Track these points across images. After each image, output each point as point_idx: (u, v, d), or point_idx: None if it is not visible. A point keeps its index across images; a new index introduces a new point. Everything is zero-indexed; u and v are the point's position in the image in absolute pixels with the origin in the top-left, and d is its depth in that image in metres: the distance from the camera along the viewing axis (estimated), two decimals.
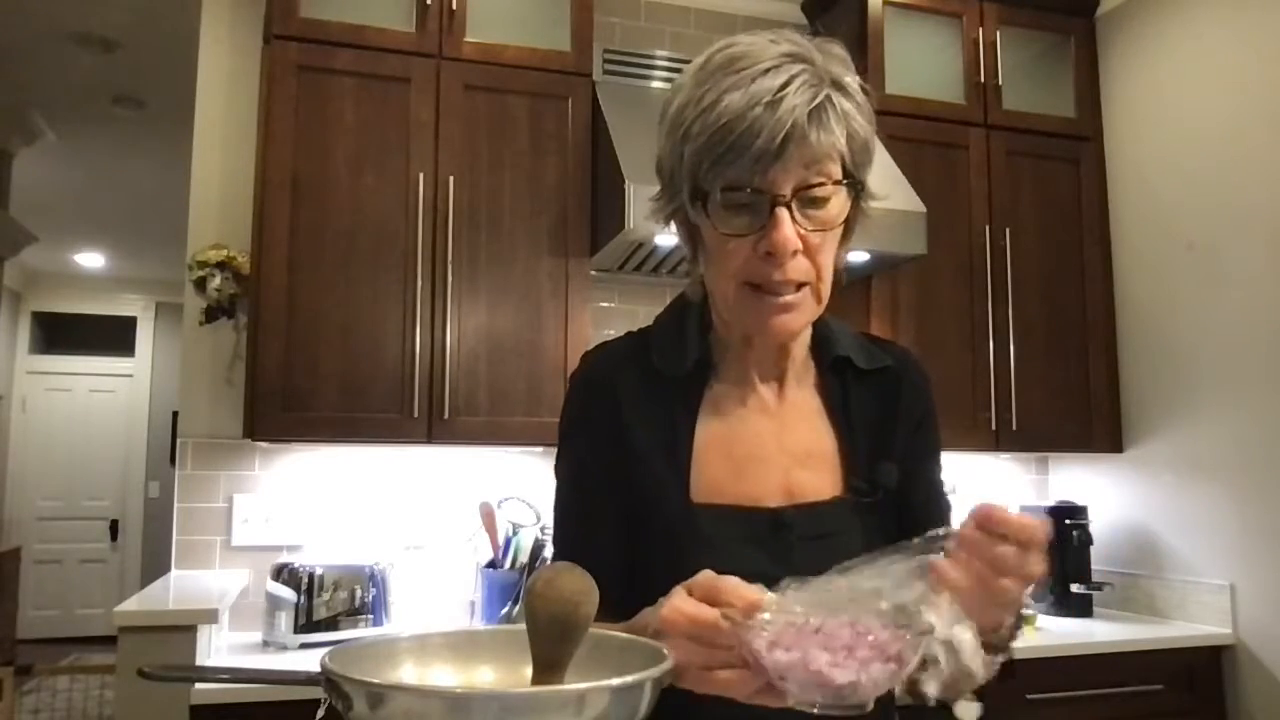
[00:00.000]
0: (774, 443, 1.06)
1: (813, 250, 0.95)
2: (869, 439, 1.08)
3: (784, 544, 1.01)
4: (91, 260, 7.64)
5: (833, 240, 0.98)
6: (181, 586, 2.29)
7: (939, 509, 1.13)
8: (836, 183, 0.95)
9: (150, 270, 7.86)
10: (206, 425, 2.53)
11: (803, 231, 0.93)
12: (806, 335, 1.10)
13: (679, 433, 1.04)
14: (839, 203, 0.96)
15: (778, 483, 1.04)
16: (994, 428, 2.79)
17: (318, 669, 0.98)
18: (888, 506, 1.06)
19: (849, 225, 1.00)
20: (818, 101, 0.94)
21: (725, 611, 0.76)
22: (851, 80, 1.00)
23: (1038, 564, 0.80)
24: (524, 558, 2.49)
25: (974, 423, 2.78)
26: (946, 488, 1.15)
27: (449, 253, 2.39)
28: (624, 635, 1.02)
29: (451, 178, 2.41)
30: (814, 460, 1.06)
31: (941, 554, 0.79)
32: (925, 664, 0.77)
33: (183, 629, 1.89)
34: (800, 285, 0.95)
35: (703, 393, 1.07)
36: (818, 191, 0.94)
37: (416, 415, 2.32)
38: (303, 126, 2.33)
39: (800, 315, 0.97)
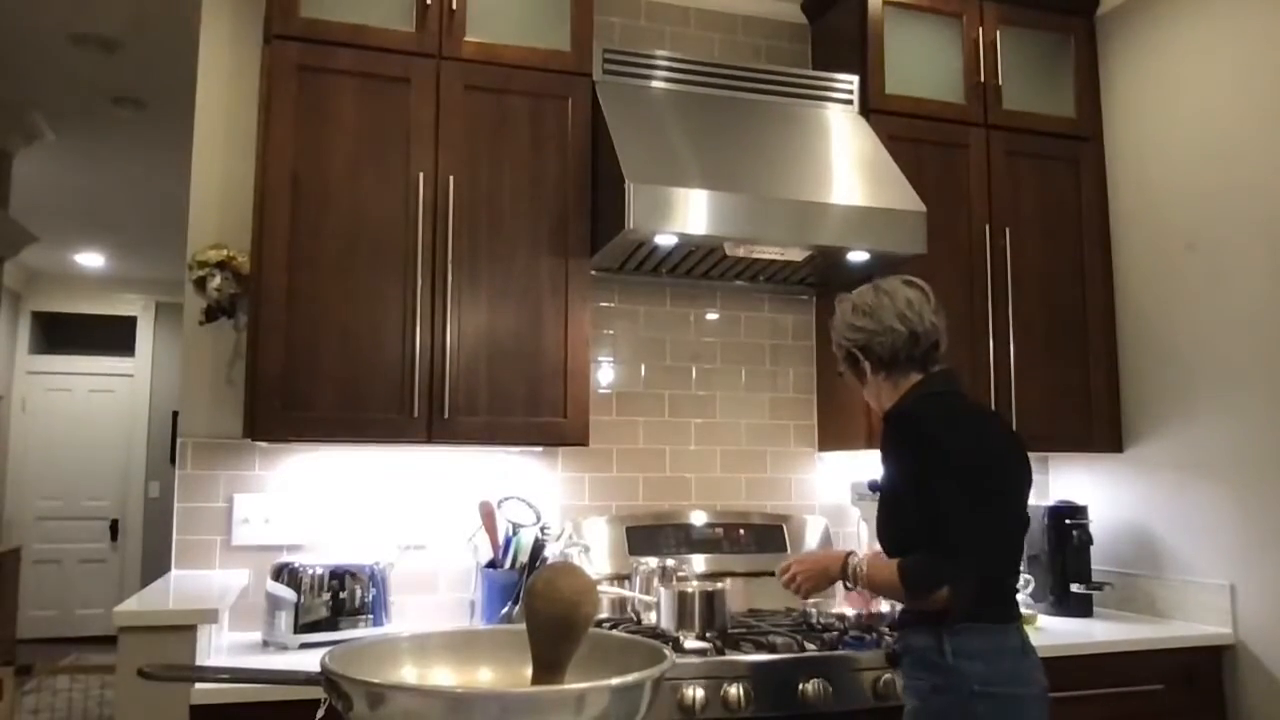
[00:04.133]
0: None
1: None
2: None
3: None
4: (91, 260, 7.64)
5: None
6: (181, 586, 2.28)
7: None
8: None
9: (150, 270, 7.86)
10: (207, 425, 2.53)
11: None
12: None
13: None
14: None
15: None
16: None
17: (318, 669, 0.99)
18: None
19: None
20: None
21: None
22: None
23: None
24: (524, 558, 2.49)
25: None
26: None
27: (449, 253, 2.39)
28: (624, 635, 1.02)
29: (451, 178, 2.41)
30: None
31: None
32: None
33: (183, 629, 1.89)
34: None
35: None
36: None
37: (416, 415, 2.32)
38: (303, 126, 2.33)
39: None
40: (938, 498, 1.78)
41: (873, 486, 2.09)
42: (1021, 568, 2.02)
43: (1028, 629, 2.58)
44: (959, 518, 1.78)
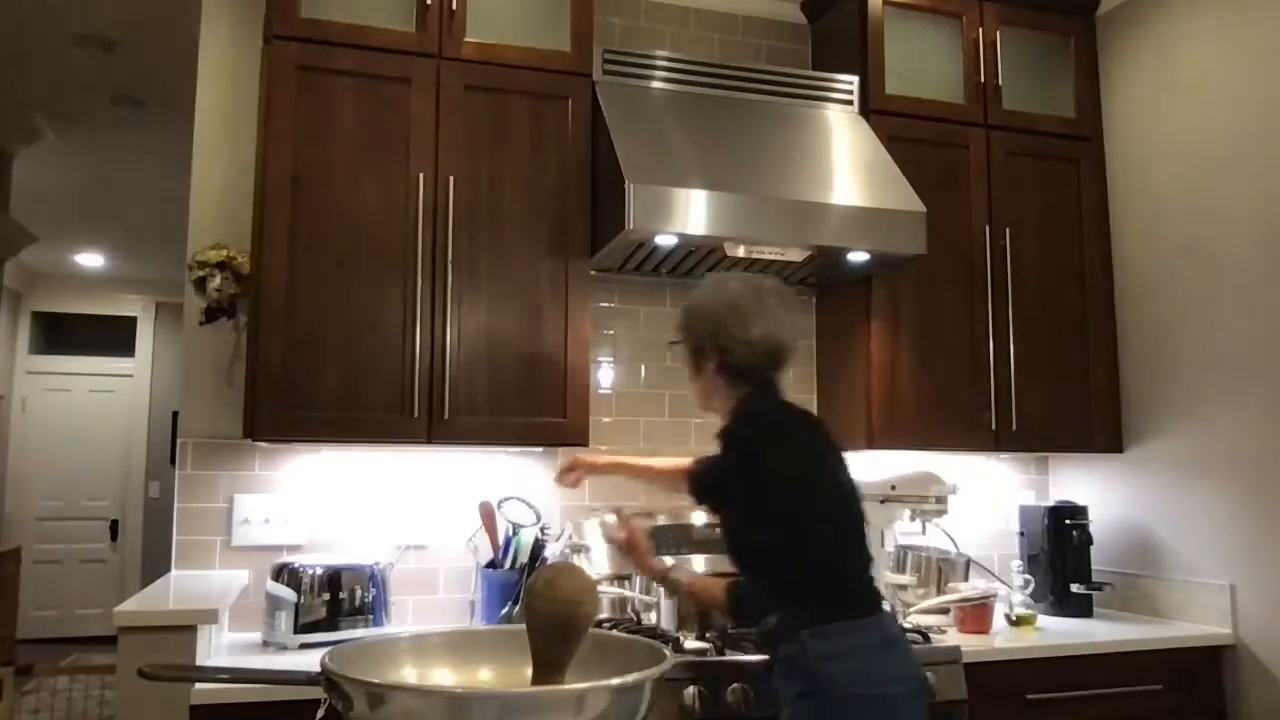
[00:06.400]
0: None
1: None
2: None
3: None
4: (91, 260, 7.64)
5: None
6: (181, 586, 2.28)
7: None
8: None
9: (150, 270, 7.86)
10: (207, 425, 2.53)
11: None
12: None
13: None
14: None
15: None
16: (994, 428, 2.79)
17: (318, 669, 0.99)
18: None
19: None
20: None
21: None
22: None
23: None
24: (524, 558, 2.49)
25: (974, 423, 2.78)
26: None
27: (449, 253, 2.39)
28: (624, 635, 1.03)
29: (451, 178, 2.41)
30: None
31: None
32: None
33: (183, 629, 1.89)
34: None
35: None
36: None
37: (416, 415, 2.32)
38: (303, 126, 2.33)
39: None
40: (764, 514, 1.85)
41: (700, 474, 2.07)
42: (873, 558, 2.00)
43: (1028, 629, 2.61)
44: (785, 534, 1.84)
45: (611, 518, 2.27)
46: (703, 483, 2.00)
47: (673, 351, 2.09)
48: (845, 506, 1.93)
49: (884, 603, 1.90)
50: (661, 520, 2.70)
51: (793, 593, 1.84)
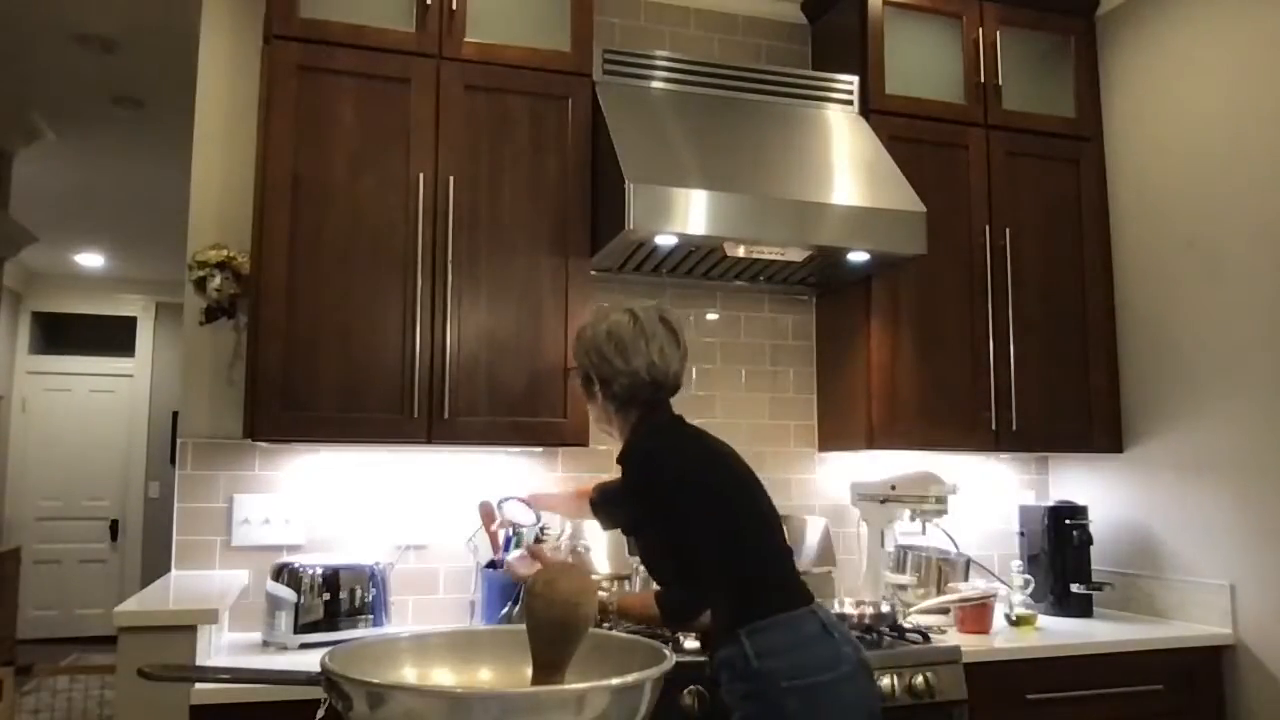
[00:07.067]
0: None
1: None
2: None
3: None
4: (91, 260, 7.64)
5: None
6: (181, 586, 2.28)
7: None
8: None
9: (150, 270, 7.86)
10: (207, 425, 2.53)
11: None
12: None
13: None
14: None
15: None
16: (994, 428, 2.79)
17: (318, 669, 0.99)
18: None
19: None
20: None
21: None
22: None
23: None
24: None
25: (974, 423, 2.78)
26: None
27: (449, 253, 2.39)
28: (624, 635, 1.02)
29: (451, 178, 2.41)
30: None
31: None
32: None
33: (183, 629, 1.89)
34: None
35: None
36: None
37: (416, 415, 2.32)
38: (303, 126, 2.33)
39: None
40: (678, 527, 1.89)
41: (603, 499, 2.13)
42: (796, 553, 2.06)
43: (1028, 629, 2.61)
44: (700, 542, 1.87)
45: (517, 553, 2.32)
46: (604, 505, 2.12)
47: (570, 377, 2.16)
48: (748, 501, 1.96)
49: (813, 596, 1.92)
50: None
51: (720, 593, 1.87)
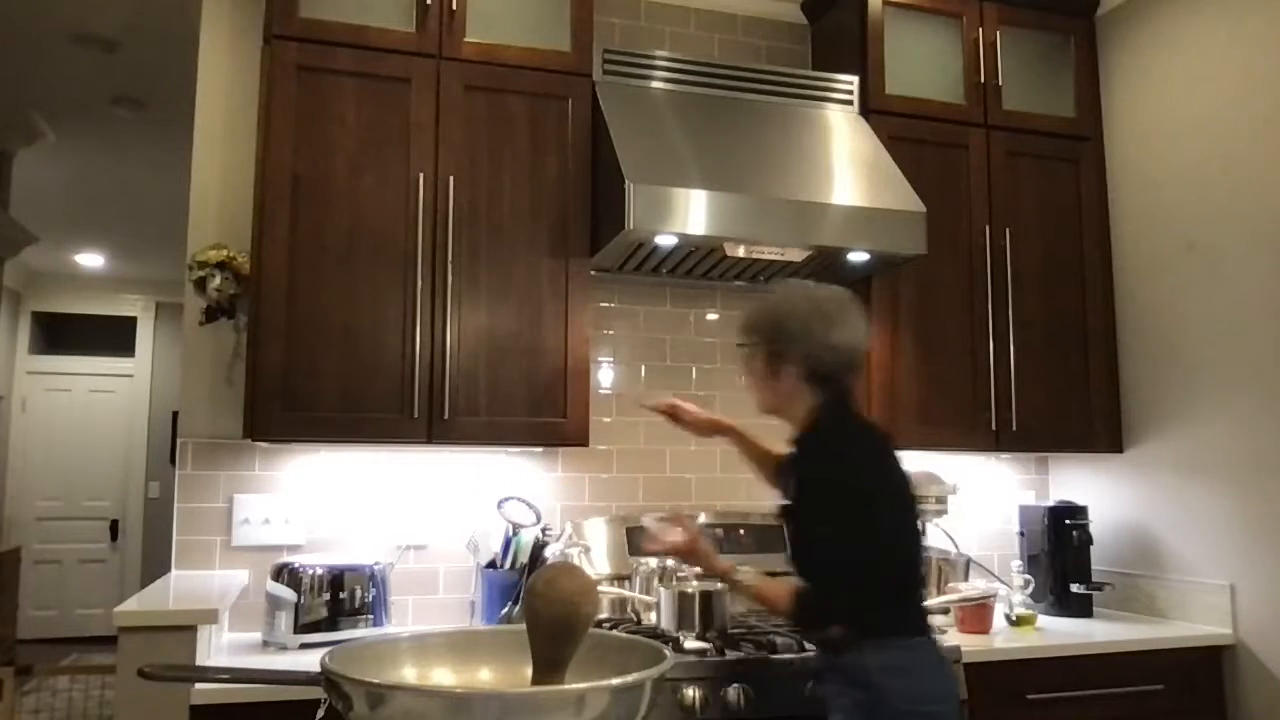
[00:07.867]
0: None
1: None
2: None
3: None
4: (91, 260, 7.64)
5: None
6: (181, 586, 2.28)
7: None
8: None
9: (150, 270, 7.86)
10: (207, 425, 2.53)
11: None
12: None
13: None
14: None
15: None
16: (994, 428, 2.79)
17: (318, 669, 0.99)
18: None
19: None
20: None
21: None
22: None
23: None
24: (524, 558, 2.49)
25: (974, 423, 2.78)
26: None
27: (449, 253, 2.39)
28: (624, 635, 1.02)
29: (451, 178, 2.41)
30: None
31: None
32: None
33: (183, 629, 1.89)
34: None
35: None
36: None
37: (416, 416, 2.32)
38: (303, 126, 2.33)
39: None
40: (858, 529, 1.80)
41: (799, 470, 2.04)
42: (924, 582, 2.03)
43: (1028, 629, 2.61)
44: (872, 553, 1.81)
45: (649, 521, 2.25)
46: (795, 474, 1.93)
47: (741, 354, 2.05)
48: (913, 522, 1.94)
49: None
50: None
51: (862, 605, 1.81)
